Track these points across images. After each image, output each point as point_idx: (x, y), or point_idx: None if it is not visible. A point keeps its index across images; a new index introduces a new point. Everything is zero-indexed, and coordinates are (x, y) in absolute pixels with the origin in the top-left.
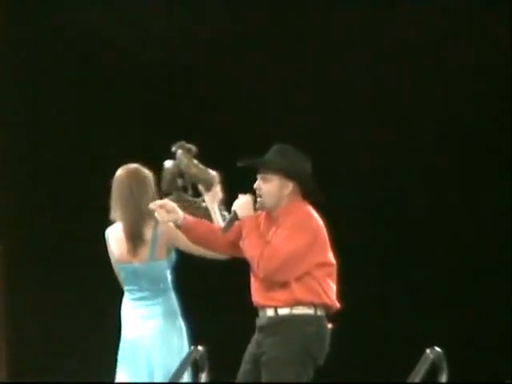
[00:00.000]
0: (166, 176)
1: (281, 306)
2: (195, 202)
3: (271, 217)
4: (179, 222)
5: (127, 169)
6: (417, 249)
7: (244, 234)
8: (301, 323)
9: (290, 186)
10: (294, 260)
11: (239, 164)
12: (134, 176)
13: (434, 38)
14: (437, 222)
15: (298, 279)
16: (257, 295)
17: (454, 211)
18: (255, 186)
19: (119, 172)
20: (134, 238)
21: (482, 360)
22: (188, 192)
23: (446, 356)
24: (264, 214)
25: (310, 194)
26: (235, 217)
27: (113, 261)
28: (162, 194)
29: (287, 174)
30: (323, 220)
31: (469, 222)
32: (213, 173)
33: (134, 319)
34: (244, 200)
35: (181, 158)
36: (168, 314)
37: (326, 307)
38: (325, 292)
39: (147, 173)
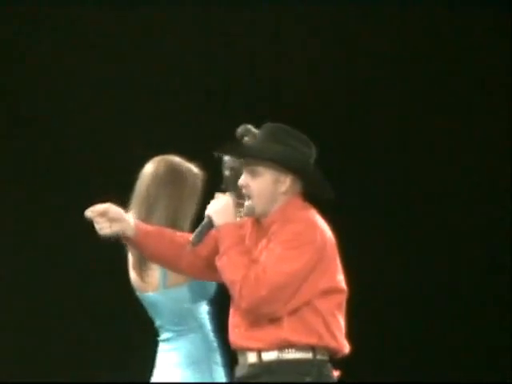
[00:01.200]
0: (228, 172)
1: (265, 349)
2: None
3: (261, 225)
4: (129, 232)
5: (152, 162)
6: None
7: (221, 249)
8: (293, 372)
9: (287, 181)
10: (291, 287)
11: (217, 154)
12: (156, 173)
13: None
14: None
15: (294, 312)
16: (235, 334)
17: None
18: (240, 182)
19: (146, 165)
20: (142, 258)
21: (481, 360)
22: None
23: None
24: (251, 220)
25: (314, 190)
26: (210, 225)
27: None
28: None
29: (283, 164)
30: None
31: None
32: None
33: (157, 367)
34: (222, 202)
35: None
36: (188, 365)
37: (330, 350)
38: (329, 330)
39: (177, 170)
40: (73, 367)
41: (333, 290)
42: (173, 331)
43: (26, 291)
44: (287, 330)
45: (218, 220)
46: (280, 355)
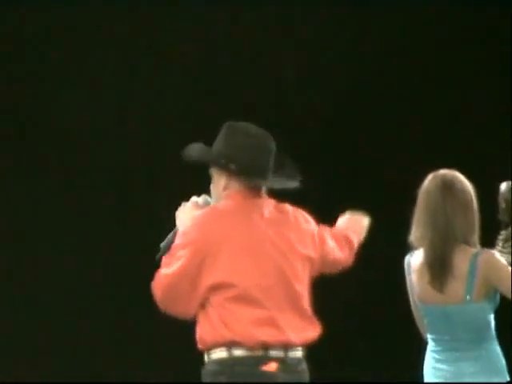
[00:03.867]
0: (502, 203)
1: (205, 353)
2: None
3: None
4: None
5: (440, 177)
6: None
7: None
8: (208, 375)
9: (222, 179)
10: (179, 286)
11: (186, 159)
12: (450, 187)
13: None
14: None
15: (202, 310)
16: None
17: None
18: None
19: (429, 181)
20: (441, 269)
21: None
22: None
23: None
24: None
25: (274, 183)
26: (174, 234)
27: (414, 299)
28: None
29: (213, 163)
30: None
31: None
32: None
33: (440, 377)
34: (186, 209)
35: None
36: (490, 373)
37: (239, 344)
38: (224, 323)
39: (467, 184)
40: (73, 367)
41: (222, 285)
42: (470, 342)
43: (25, 291)
44: (200, 330)
45: (180, 228)
46: (206, 357)
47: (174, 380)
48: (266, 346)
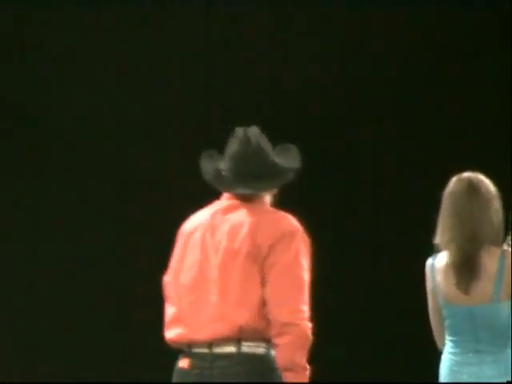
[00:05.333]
0: None
1: None
2: None
3: None
4: None
5: (466, 180)
6: None
7: None
8: None
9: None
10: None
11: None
12: (475, 190)
13: None
14: None
15: None
16: None
17: None
18: None
19: (454, 183)
20: (470, 271)
21: None
22: None
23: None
24: None
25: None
26: None
27: (436, 302)
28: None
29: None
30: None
31: None
32: None
33: (461, 379)
34: None
35: None
36: (509, 375)
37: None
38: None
39: (491, 186)
40: (73, 367)
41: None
42: (491, 343)
43: (25, 291)
44: None
45: None
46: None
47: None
48: None
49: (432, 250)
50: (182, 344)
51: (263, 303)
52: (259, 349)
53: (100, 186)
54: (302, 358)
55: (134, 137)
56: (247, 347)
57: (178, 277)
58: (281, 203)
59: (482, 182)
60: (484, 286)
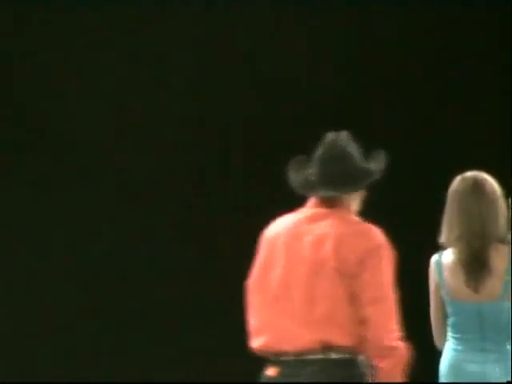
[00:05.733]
0: None
1: None
2: None
3: None
4: None
5: (471, 179)
6: None
7: None
8: None
9: None
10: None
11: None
12: (481, 188)
13: None
14: None
15: None
16: None
17: None
18: None
19: (459, 182)
20: (479, 268)
21: None
22: None
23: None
24: None
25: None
26: None
27: (440, 299)
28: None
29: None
30: None
31: None
32: None
33: (466, 378)
34: None
35: None
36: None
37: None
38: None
39: (495, 185)
40: (73, 367)
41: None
42: (495, 341)
43: (25, 291)
44: None
45: None
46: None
47: (175, 380)
48: None
49: (432, 250)
50: (268, 353)
51: (353, 321)
52: (347, 354)
53: (100, 186)
54: (402, 378)
55: (134, 137)
56: (335, 354)
57: (262, 284)
58: (276, 202)
59: (486, 180)
60: (494, 283)
